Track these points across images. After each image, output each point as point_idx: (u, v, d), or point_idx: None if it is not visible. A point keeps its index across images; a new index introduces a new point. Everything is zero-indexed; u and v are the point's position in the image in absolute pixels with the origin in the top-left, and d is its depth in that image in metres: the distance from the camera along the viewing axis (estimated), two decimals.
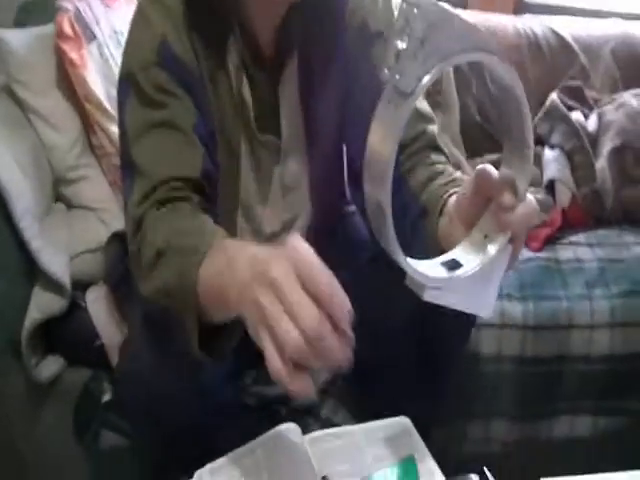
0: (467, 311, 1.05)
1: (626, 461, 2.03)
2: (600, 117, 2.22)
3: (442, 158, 1.33)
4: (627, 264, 1.96)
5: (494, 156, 2.18)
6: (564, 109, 2.21)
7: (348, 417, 1.63)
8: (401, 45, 0.83)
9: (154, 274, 1.13)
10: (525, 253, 1.96)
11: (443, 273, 1.00)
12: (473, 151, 2.25)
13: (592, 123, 2.23)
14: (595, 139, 2.18)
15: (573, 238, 2.04)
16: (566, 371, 1.85)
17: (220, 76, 1.35)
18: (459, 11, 2.28)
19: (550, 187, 2.09)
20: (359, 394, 1.60)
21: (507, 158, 1.00)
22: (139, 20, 1.34)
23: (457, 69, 2.20)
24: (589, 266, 1.94)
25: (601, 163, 2.12)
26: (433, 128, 1.37)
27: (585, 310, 1.83)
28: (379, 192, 0.89)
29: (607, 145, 2.14)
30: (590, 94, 2.32)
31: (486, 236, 1.03)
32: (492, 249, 1.02)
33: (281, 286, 0.86)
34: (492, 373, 1.82)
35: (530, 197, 1.02)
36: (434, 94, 2.13)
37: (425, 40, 0.81)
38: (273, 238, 1.50)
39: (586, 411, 1.92)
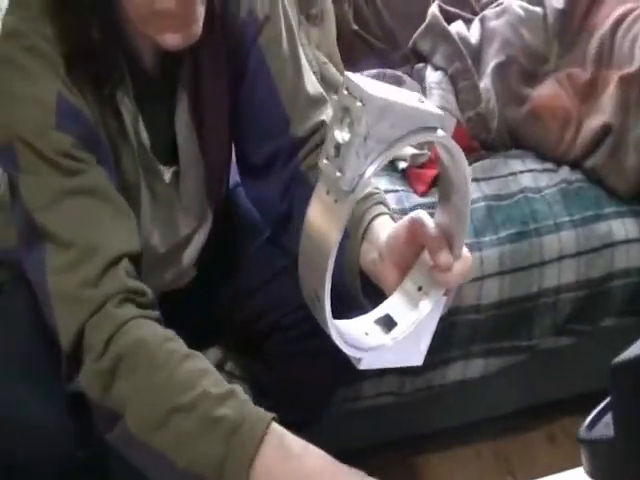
0: (400, 365, 1.02)
1: (514, 395, 2.08)
2: (483, 23, 2.06)
3: None
4: (515, 200, 1.88)
5: (373, 71, 2.05)
6: (445, 25, 2.04)
7: None
8: (341, 137, 0.80)
9: (171, 429, 1.02)
10: (411, 198, 1.85)
11: (379, 333, 0.97)
12: (351, 64, 2.06)
13: (475, 33, 2.07)
14: (479, 51, 2.03)
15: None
16: (458, 322, 1.81)
17: (113, 121, 1.20)
18: None
19: None
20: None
21: (443, 209, 0.97)
22: (14, 74, 1.12)
23: None
24: (477, 208, 1.83)
25: (485, 82, 1.97)
26: (329, 114, 1.33)
27: (474, 262, 1.74)
28: (318, 283, 0.87)
29: (491, 61, 1.98)
30: None
31: (420, 288, 1.00)
32: (427, 305, 0.99)
33: None
34: None
35: (466, 252, 1.00)
36: (307, 6, 1.92)
37: (368, 135, 0.78)
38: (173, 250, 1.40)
39: (477, 355, 1.91)
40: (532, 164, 1.98)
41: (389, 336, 0.97)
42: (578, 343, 2.02)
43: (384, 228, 1.12)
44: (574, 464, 2.05)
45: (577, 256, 1.87)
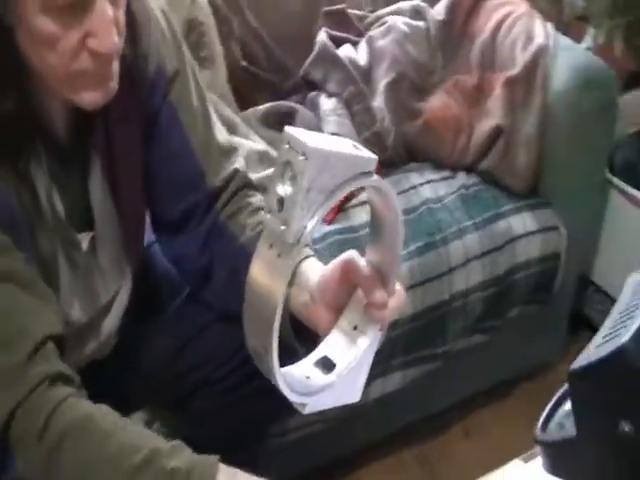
0: (340, 404, 1.02)
1: (431, 397, 2.14)
2: (370, 44, 2.08)
3: (260, 197, 1.34)
4: (419, 213, 1.93)
5: (267, 105, 2.05)
6: (335, 52, 2.07)
7: None
8: (283, 191, 0.82)
9: None
10: (319, 228, 1.87)
11: (320, 375, 0.98)
12: (244, 100, 2.08)
13: (363, 54, 2.10)
14: (369, 72, 2.06)
15: (362, 194, 1.93)
16: None
17: (27, 195, 1.15)
18: None
19: None
20: None
21: (375, 247, 0.99)
22: None
23: (216, 12, 1.97)
24: None
25: (378, 101, 2.01)
26: (241, 161, 1.36)
27: None
28: (266, 337, 0.88)
29: (382, 80, 2.02)
30: (355, 14, 2.15)
31: (355, 327, 1.01)
32: (364, 342, 1.01)
33: None
34: None
35: (398, 287, 1.02)
36: (197, 49, 1.91)
37: (311, 187, 0.80)
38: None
39: (396, 369, 1.95)
40: (430, 175, 2.05)
41: (330, 377, 0.98)
42: (488, 339, 2.11)
43: (313, 270, 1.14)
44: (490, 458, 2.17)
45: (482, 257, 1.95)
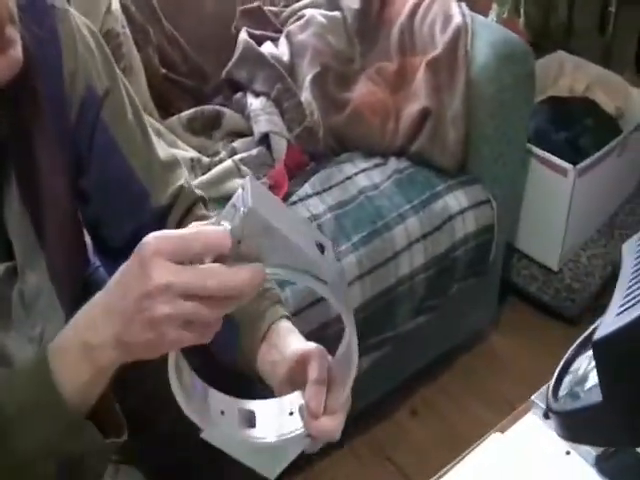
0: (249, 465, 0.96)
1: (380, 381, 2.14)
2: (290, 39, 2.06)
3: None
4: (358, 203, 1.93)
5: (190, 110, 2.01)
6: (260, 50, 2.04)
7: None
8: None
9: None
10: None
11: (234, 420, 0.95)
12: (166, 108, 2.03)
13: (284, 49, 2.08)
14: (292, 67, 2.04)
15: (300, 192, 1.93)
16: (327, 336, 1.82)
17: None
18: None
19: (263, 140, 1.94)
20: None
21: (337, 360, 0.99)
22: None
23: (131, 21, 1.91)
24: (325, 220, 1.88)
25: (305, 96, 2.00)
26: (185, 174, 1.29)
27: None
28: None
29: (307, 73, 2.01)
30: (270, 11, 2.12)
31: (291, 413, 0.97)
32: (289, 433, 0.95)
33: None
34: None
35: (339, 415, 0.98)
36: (116, 61, 1.82)
37: (242, 241, 0.79)
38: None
39: None
40: (362, 163, 2.05)
41: (239, 429, 0.95)
42: (430, 317, 2.13)
43: (291, 335, 1.12)
44: (439, 434, 2.19)
45: (423, 239, 1.96)
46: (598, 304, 2.60)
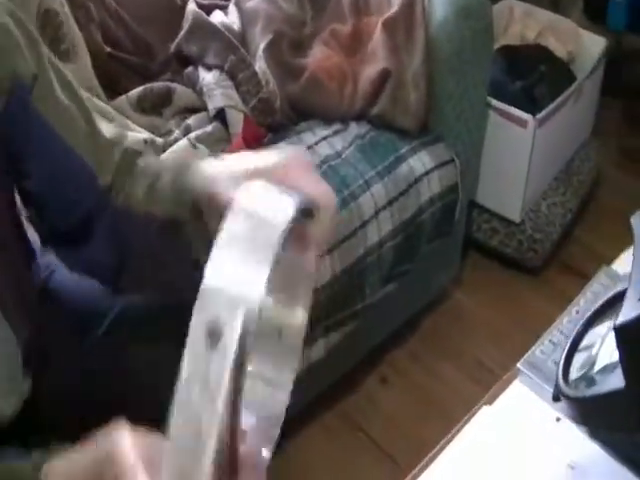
0: None
1: (349, 351, 2.09)
2: (239, 6, 1.96)
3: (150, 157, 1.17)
4: (322, 172, 1.84)
5: (139, 89, 1.90)
6: (211, 21, 1.93)
7: None
8: None
9: None
10: None
11: None
12: (113, 89, 1.92)
13: (234, 18, 1.98)
14: (243, 36, 1.94)
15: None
16: None
17: None
18: None
19: (217, 115, 1.85)
20: None
21: None
22: None
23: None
24: None
25: (259, 65, 1.91)
26: (132, 135, 1.19)
27: None
28: None
29: (260, 42, 1.92)
30: None
31: None
32: None
33: None
34: None
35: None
36: (56, 43, 1.73)
37: None
38: None
39: (318, 336, 1.90)
40: (322, 131, 1.97)
41: None
42: (399, 284, 2.07)
43: None
44: (410, 401, 2.16)
45: (389, 205, 1.91)
46: (559, 254, 2.60)
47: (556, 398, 1.04)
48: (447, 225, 2.13)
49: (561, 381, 1.01)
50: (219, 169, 1.00)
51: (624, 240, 1.47)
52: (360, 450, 2.10)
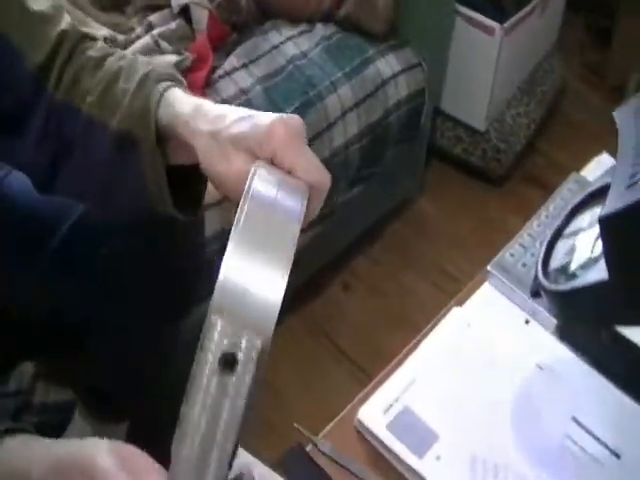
0: None
1: (313, 255, 2.06)
2: None
3: (101, 44, 1.02)
4: (287, 73, 1.81)
5: None
6: None
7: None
8: None
9: None
10: None
11: None
12: None
13: None
14: None
15: (225, 65, 1.78)
16: None
17: None
18: None
19: (181, 12, 1.76)
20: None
21: None
22: None
23: None
24: (255, 94, 1.74)
25: None
26: (67, 19, 1.03)
27: None
28: None
29: None
30: None
31: None
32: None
33: None
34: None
35: None
36: None
37: None
38: None
39: None
40: (288, 31, 1.92)
41: None
42: (363, 188, 2.05)
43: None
44: (372, 308, 2.14)
45: (356, 107, 1.88)
46: (523, 165, 2.58)
47: (535, 294, 1.02)
48: (413, 129, 2.09)
49: (541, 275, 0.98)
50: (196, 112, 0.87)
51: (587, 152, 1.46)
52: (324, 355, 2.10)
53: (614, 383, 1.15)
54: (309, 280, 2.10)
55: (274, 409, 1.85)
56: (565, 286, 0.92)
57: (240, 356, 0.65)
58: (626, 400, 1.14)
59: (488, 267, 1.29)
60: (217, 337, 0.65)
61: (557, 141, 2.65)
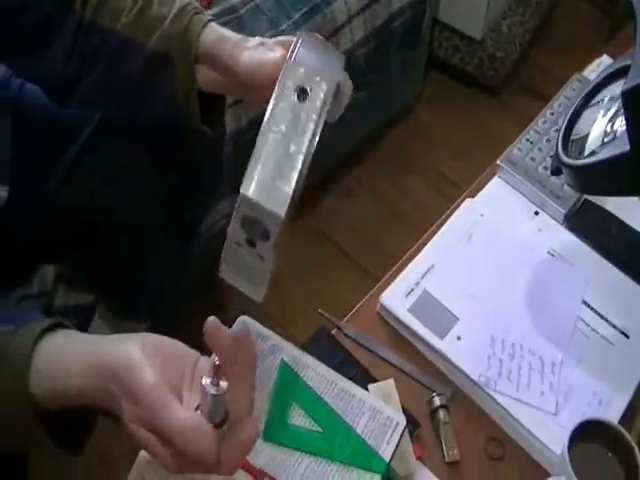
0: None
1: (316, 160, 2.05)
2: None
3: None
4: None
5: None
6: None
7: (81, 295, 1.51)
8: None
9: None
10: None
11: None
12: None
13: None
14: None
15: None
16: None
17: None
18: None
19: None
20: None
21: None
22: None
23: None
24: (263, 0, 1.70)
25: None
26: None
27: None
28: None
29: None
30: None
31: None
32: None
33: None
34: None
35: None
36: None
37: None
38: None
39: None
40: None
41: None
42: (365, 94, 2.03)
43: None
44: (375, 213, 2.15)
45: (362, 12, 1.86)
46: (518, 75, 2.57)
47: (556, 171, 1.03)
48: (415, 36, 2.09)
49: (561, 152, 0.99)
50: (242, 38, 0.95)
51: (581, 61, 1.46)
52: (329, 259, 2.11)
53: (621, 269, 1.18)
54: (312, 186, 2.09)
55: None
56: (586, 160, 0.93)
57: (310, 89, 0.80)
58: (632, 285, 1.16)
59: (498, 161, 1.30)
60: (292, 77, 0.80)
61: (551, 51, 2.64)
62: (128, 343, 0.69)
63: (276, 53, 0.89)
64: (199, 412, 0.65)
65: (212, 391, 0.64)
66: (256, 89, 0.90)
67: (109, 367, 0.68)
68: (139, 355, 0.67)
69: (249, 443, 0.67)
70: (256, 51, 0.91)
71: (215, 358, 0.64)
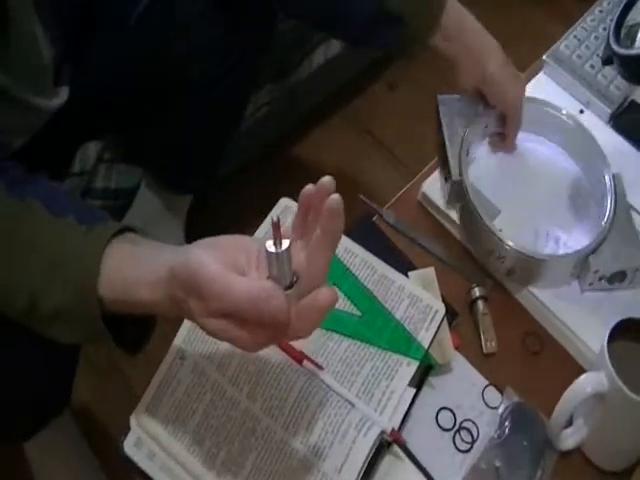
0: None
1: (355, 54, 1.96)
2: None
3: None
4: None
5: None
6: None
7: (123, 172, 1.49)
8: None
9: None
10: None
11: None
12: None
13: None
14: None
15: None
16: None
17: None
18: None
19: None
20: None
21: None
22: None
23: None
24: None
25: None
26: None
27: None
28: None
29: None
30: None
31: None
32: None
33: None
34: None
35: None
36: None
37: None
38: None
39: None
40: None
41: None
42: None
43: None
44: (413, 109, 2.07)
45: None
46: None
47: (607, 61, 0.97)
48: None
49: (613, 42, 0.93)
50: None
51: None
52: (369, 151, 2.04)
53: None
54: (354, 78, 2.04)
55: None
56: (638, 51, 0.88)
57: None
58: None
59: (544, 57, 1.24)
60: None
61: None
62: (192, 250, 0.66)
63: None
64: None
65: (272, 249, 0.61)
66: None
67: (174, 276, 0.66)
68: (198, 253, 0.64)
69: (325, 308, 0.63)
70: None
71: (275, 216, 0.60)
